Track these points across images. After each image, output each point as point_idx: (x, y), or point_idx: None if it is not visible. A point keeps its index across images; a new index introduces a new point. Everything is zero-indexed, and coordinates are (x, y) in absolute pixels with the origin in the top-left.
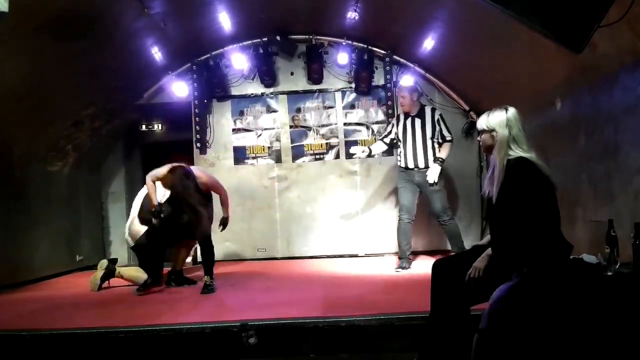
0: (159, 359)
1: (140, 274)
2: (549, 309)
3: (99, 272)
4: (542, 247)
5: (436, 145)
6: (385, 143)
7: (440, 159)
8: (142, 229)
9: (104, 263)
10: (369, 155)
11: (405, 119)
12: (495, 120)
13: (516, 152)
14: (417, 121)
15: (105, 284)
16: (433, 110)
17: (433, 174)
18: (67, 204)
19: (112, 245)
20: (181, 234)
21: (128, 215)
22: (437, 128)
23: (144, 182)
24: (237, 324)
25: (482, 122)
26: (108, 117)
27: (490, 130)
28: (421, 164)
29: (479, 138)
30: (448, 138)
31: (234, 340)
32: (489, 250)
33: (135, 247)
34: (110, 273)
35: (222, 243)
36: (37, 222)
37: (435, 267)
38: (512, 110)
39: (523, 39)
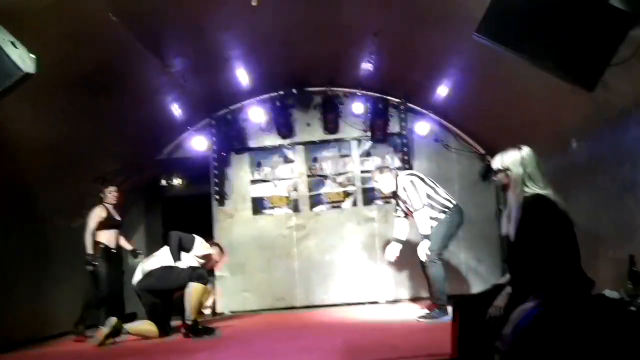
0: None
1: (149, 327)
2: (573, 337)
3: (105, 329)
4: (561, 279)
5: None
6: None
7: (423, 236)
8: (147, 270)
9: (111, 321)
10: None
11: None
12: (509, 159)
13: (532, 189)
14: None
15: (110, 341)
16: (398, 181)
17: (421, 254)
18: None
19: (131, 299)
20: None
21: None
22: (405, 203)
23: (163, 237)
24: None
25: (497, 162)
26: (130, 173)
27: (505, 170)
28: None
29: (495, 178)
30: (413, 208)
31: None
32: (508, 288)
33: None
34: (115, 332)
35: (241, 294)
36: (60, 278)
37: (455, 306)
38: (526, 149)
39: (538, 80)
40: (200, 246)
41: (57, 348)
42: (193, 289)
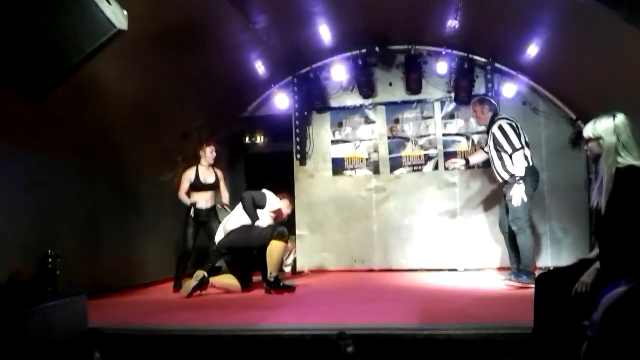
0: None
1: (232, 281)
2: None
3: (193, 282)
4: None
5: (507, 162)
6: (485, 152)
7: (517, 178)
8: (228, 230)
9: (199, 274)
10: (467, 167)
11: (486, 132)
12: (602, 127)
13: (626, 159)
14: (489, 134)
15: (197, 293)
16: (496, 121)
17: (515, 197)
18: (175, 213)
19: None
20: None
21: None
22: (498, 143)
23: (240, 198)
24: (335, 332)
25: (589, 129)
26: (214, 130)
27: (597, 138)
28: (500, 177)
29: (586, 147)
30: (509, 152)
31: (332, 348)
32: (597, 264)
33: (217, 248)
34: (202, 284)
35: (320, 253)
36: (148, 229)
37: (539, 280)
38: (620, 116)
39: (635, 41)
40: (272, 201)
41: (145, 296)
42: (274, 246)
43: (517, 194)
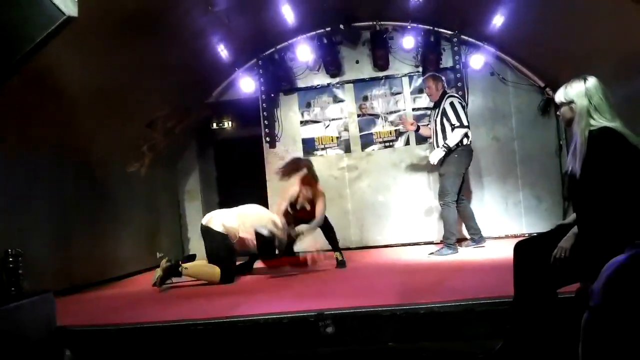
0: (238, 350)
1: (209, 269)
2: None
3: (159, 272)
4: (635, 221)
5: (448, 132)
6: (429, 128)
7: (444, 145)
8: (235, 228)
9: (163, 264)
10: (416, 132)
11: (433, 108)
12: (574, 91)
13: (599, 122)
14: (436, 109)
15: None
16: (447, 97)
17: (433, 156)
18: (146, 203)
19: (190, 242)
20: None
21: (205, 211)
22: (445, 115)
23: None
24: (314, 313)
25: (560, 94)
26: (180, 117)
27: (569, 102)
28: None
29: (558, 112)
30: (455, 124)
31: (312, 330)
32: (574, 229)
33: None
34: (174, 273)
35: None
36: (119, 221)
37: (517, 248)
38: (591, 79)
39: (603, 3)
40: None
41: (114, 290)
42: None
43: (435, 156)
